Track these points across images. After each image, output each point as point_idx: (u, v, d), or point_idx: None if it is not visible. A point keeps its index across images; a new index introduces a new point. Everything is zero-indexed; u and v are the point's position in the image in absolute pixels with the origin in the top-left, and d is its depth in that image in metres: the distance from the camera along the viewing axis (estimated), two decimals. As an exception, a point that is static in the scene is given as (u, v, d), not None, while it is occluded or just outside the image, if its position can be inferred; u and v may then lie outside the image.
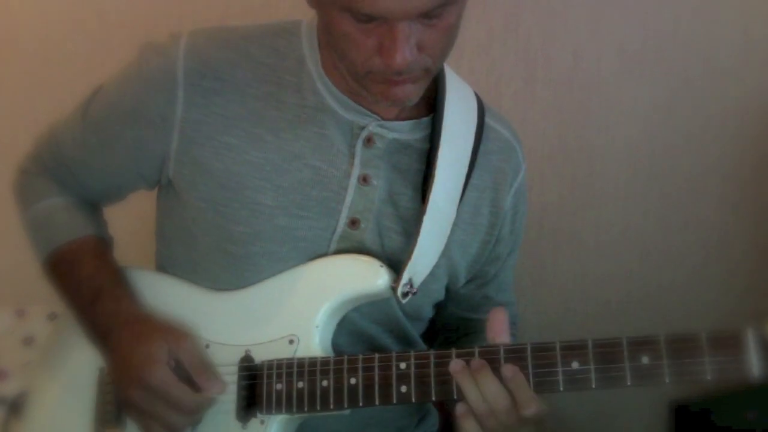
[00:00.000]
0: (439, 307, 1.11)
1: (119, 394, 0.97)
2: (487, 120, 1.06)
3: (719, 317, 1.98)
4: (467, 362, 0.85)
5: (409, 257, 0.95)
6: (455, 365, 0.85)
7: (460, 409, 0.86)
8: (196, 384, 0.92)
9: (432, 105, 1.00)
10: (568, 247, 1.87)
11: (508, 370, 0.84)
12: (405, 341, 1.06)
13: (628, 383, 0.82)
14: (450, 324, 1.15)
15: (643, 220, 1.87)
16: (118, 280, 1.03)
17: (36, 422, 1.06)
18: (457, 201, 1.00)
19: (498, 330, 0.88)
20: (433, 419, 1.21)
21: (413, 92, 0.91)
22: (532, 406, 0.85)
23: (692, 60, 1.80)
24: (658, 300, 1.93)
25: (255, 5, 1.65)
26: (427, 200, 0.96)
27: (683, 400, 1.99)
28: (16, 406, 1.07)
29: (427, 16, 0.83)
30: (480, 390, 0.84)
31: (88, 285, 1.01)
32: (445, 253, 1.01)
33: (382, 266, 0.95)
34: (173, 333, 0.95)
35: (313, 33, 0.98)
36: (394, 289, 0.95)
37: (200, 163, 0.97)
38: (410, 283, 0.96)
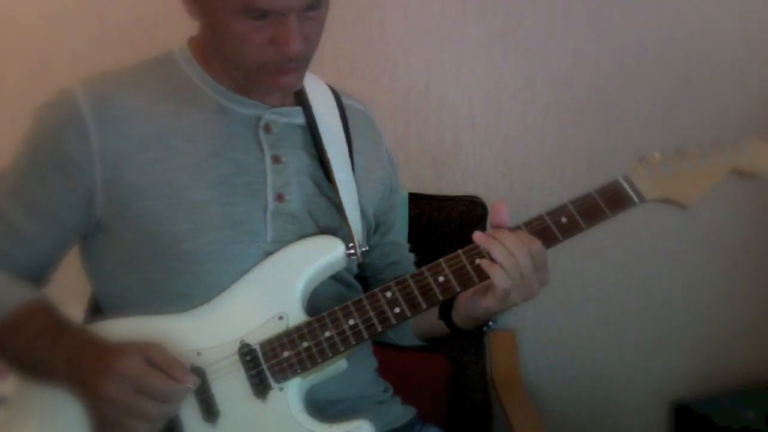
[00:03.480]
0: (360, 265, 1.23)
1: (95, 403, 0.95)
2: (344, 100, 1.23)
3: (719, 316, 1.99)
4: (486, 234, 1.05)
5: (348, 226, 1.11)
6: (478, 234, 1.04)
7: (484, 262, 1.02)
8: (171, 376, 0.95)
9: (298, 96, 1.17)
10: (568, 247, 1.87)
11: (513, 228, 1.06)
12: (352, 287, 1.20)
13: (560, 238, 1.10)
14: (373, 275, 1.28)
15: (642, 220, 1.87)
16: (73, 326, 1.04)
17: None
18: (351, 168, 1.17)
19: (501, 217, 1.06)
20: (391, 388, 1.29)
21: (299, 79, 1.06)
22: (543, 251, 1.06)
23: (692, 60, 1.80)
24: (658, 300, 1.93)
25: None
26: (332, 177, 1.12)
27: (683, 400, 1.99)
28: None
29: (311, 7, 0.97)
30: (504, 244, 1.02)
31: (45, 338, 1.01)
32: (361, 211, 1.17)
33: (336, 239, 1.09)
34: (140, 342, 0.97)
35: (187, 53, 1.11)
36: (354, 254, 1.10)
37: (129, 183, 1.03)
38: (359, 244, 1.12)
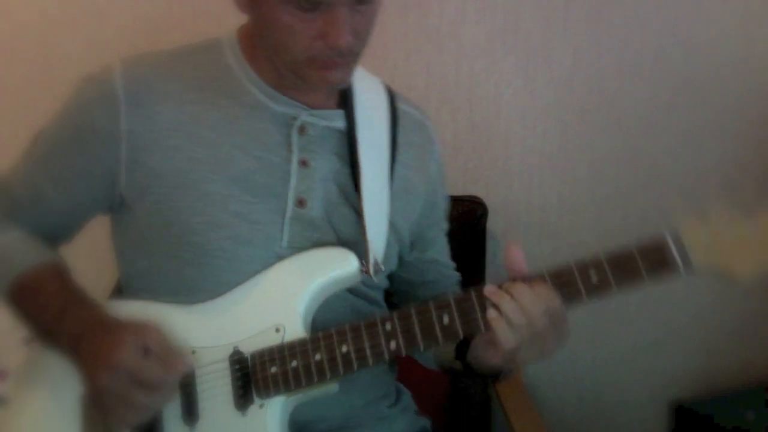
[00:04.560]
0: (391, 278, 1.19)
1: (91, 387, 0.97)
2: (398, 104, 1.17)
3: (719, 316, 1.99)
4: (498, 285, 0.96)
5: (365, 240, 1.05)
6: (489, 288, 0.95)
7: (491, 313, 0.94)
8: (163, 363, 0.95)
9: (343, 96, 1.11)
10: (568, 247, 1.87)
11: (532, 278, 0.95)
12: (370, 301, 1.14)
13: (585, 299, 0.95)
14: (406, 292, 1.23)
15: (642, 220, 1.87)
16: (83, 295, 1.05)
17: None
18: (387, 178, 1.11)
19: (517, 262, 0.96)
20: (407, 397, 1.26)
21: (347, 74, 1.03)
22: (557, 303, 0.94)
23: (692, 60, 1.80)
24: (658, 300, 1.93)
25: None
26: (359, 184, 1.07)
27: (683, 400, 1.99)
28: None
29: (361, 1, 0.95)
30: (517, 301, 0.93)
31: (56, 301, 1.03)
32: (391, 226, 1.11)
33: (351, 253, 1.04)
34: (138, 323, 0.97)
35: (234, 43, 1.08)
36: (366, 271, 1.04)
37: (150, 168, 1.03)
38: (377, 262, 1.06)
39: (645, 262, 0.95)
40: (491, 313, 0.94)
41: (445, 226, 1.27)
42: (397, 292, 1.23)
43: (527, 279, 0.95)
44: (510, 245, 0.97)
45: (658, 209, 1.86)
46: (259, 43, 1.04)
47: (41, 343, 1.06)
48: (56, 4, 1.65)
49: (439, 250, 1.25)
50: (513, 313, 0.93)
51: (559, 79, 1.78)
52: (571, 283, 0.95)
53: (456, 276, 1.25)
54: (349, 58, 0.99)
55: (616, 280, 0.95)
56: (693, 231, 0.93)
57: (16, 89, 1.67)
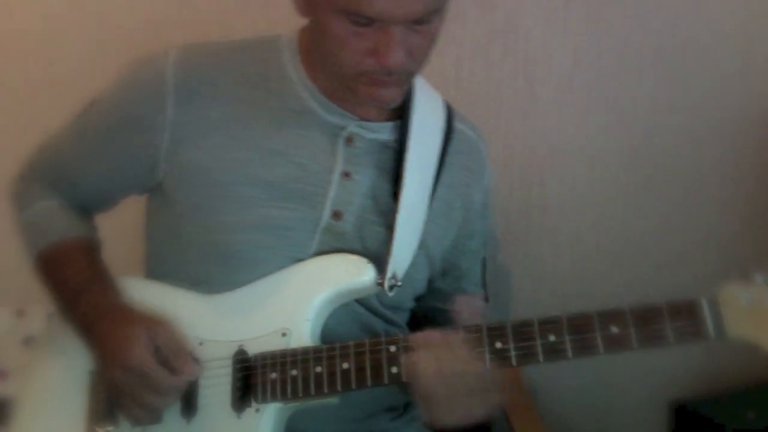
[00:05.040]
0: (419, 300, 1.16)
1: (103, 378, 1.00)
2: (455, 123, 1.14)
3: (719, 317, 1.98)
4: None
5: (389, 253, 1.02)
6: (417, 335, 0.94)
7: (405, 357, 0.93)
8: (173, 367, 0.96)
9: (399, 109, 1.07)
10: (568, 247, 1.87)
11: (454, 335, 0.93)
12: (391, 323, 1.12)
13: (601, 351, 0.89)
14: (430, 315, 1.20)
15: (642, 220, 1.87)
16: (104, 277, 1.07)
17: (25, 426, 1.06)
18: (428, 197, 1.07)
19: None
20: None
21: (398, 94, 0.99)
22: (476, 368, 0.91)
23: (692, 60, 1.80)
24: (657, 300, 1.93)
25: (254, 5, 1.65)
26: (399, 197, 1.03)
27: (683, 400, 1.99)
28: (1, 412, 1.08)
29: (418, 21, 0.90)
30: (433, 353, 0.91)
31: (75, 280, 1.05)
32: (423, 246, 1.08)
33: (368, 263, 1.02)
34: (152, 319, 0.99)
35: (293, 44, 1.06)
36: (381, 284, 1.01)
37: (190, 161, 1.03)
38: (395, 276, 1.03)
39: (673, 323, 0.89)
40: (405, 357, 0.93)
41: (482, 255, 1.21)
42: (419, 312, 1.19)
43: (488, 327, 0.92)
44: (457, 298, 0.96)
45: (658, 209, 1.86)
46: (314, 49, 1.02)
47: (59, 314, 1.07)
48: (56, 5, 1.65)
49: (471, 280, 1.20)
50: (426, 363, 0.91)
51: (559, 79, 1.78)
52: (529, 338, 0.91)
53: (483, 306, 1.21)
54: (401, 77, 0.96)
55: (637, 337, 0.89)
56: (732, 300, 0.85)
57: (17, 89, 1.67)
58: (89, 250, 1.10)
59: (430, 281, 1.15)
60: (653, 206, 1.86)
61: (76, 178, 1.12)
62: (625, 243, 1.87)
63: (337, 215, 1.03)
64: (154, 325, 0.97)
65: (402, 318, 1.15)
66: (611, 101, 1.80)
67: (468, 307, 1.18)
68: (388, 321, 1.10)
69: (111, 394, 1.00)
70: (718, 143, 1.86)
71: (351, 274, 1.02)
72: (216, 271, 1.04)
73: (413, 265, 1.07)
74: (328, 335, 1.02)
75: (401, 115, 1.07)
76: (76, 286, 1.04)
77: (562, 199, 1.84)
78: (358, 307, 1.06)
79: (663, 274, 1.92)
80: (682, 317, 0.88)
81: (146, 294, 1.06)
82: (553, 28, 1.75)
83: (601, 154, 1.83)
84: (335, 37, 0.92)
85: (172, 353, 0.96)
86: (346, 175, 1.04)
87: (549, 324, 0.91)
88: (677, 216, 1.87)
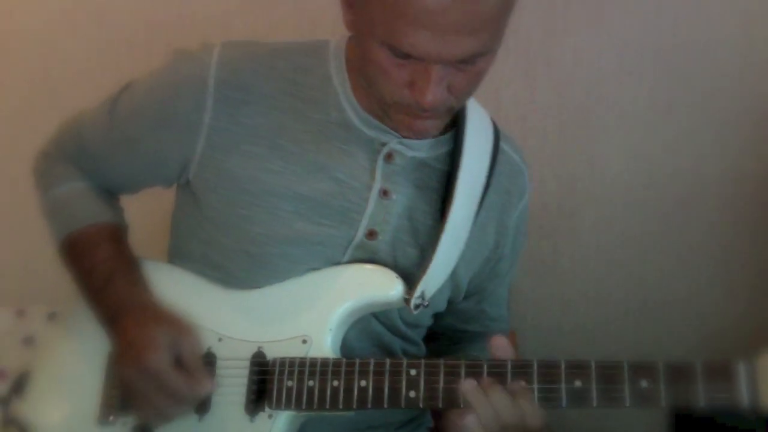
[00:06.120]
0: (436, 317, 1.14)
1: (119, 372, 0.99)
2: (502, 144, 1.10)
3: (720, 317, 1.98)
4: (477, 381, 0.90)
5: (424, 272, 0.99)
6: (467, 385, 0.89)
7: (470, 421, 0.89)
8: (191, 379, 0.95)
9: (449, 123, 1.03)
10: (568, 247, 1.87)
11: (517, 384, 0.89)
12: (408, 341, 1.10)
13: (627, 404, 0.87)
14: (444, 333, 1.19)
15: (642, 220, 1.87)
16: (132, 267, 1.05)
17: (39, 402, 1.06)
18: (472, 220, 1.04)
19: (503, 353, 0.92)
20: (424, 414, 1.23)
21: (434, 127, 0.96)
22: (537, 418, 0.90)
23: (692, 60, 1.80)
24: (658, 300, 1.93)
25: (254, 5, 1.65)
26: (446, 219, 1.00)
27: (683, 400, 1.99)
28: (18, 385, 1.07)
29: (462, 61, 0.87)
30: (492, 406, 0.88)
31: (102, 268, 1.03)
32: (453, 269, 1.05)
33: (398, 277, 0.99)
34: (178, 324, 0.97)
35: (341, 53, 1.02)
36: (407, 300, 0.98)
37: (223, 168, 1.00)
38: (422, 295, 1.00)
39: (706, 385, 0.85)
40: (469, 420, 0.89)
41: (509, 279, 1.19)
42: (440, 332, 1.18)
43: (513, 386, 0.89)
44: (495, 338, 0.92)
45: (658, 209, 1.86)
46: (358, 67, 0.98)
47: (83, 300, 1.06)
48: (57, 6, 1.65)
49: (494, 303, 1.18)
50: (487, 419, 0.88)
51: (559, 79, 1.78)
52: (554, 381, 0.89)
53: (504, 329, 1.18)
54: (439, 112, 0.93)
55: (667, 395, 0.86)
56: None
57: (17, 89, 1.67)
58: (117, 237, 1.08)
59: (451, 302, 1.12)
60: (653, 206, 1.86)
61: (103, 164, 1.09)
62: (625, 243, 1.87)
63: (371, 234, 1.01)
64: (178, 331, 0.96)
65: (419, 334, 1.13)
66: (611, 101, 1.80)
67: (486, 329, 1.16)
68: (405, 338, 1.09)
69: (124, 389, 0.99)
70: (718, 143, 1.85)
71: (379, 286, 1.00)
72: (244, 274, 1.02)
73: (440, 288, 1.04)
74: (342, 347, 1.01)
75: (447, 129, 1.04)
76: (103, 275, 1.02)
77: (562, 199, 1.84)
78: (375, 322, 1.04)
79: (663, 274, 1.92)
80: (717, 379, 0.85)
81: (171, 281, 1.05)
82: (553, 28, 1.75)
83: (601, 154, 1.83)
84: (377, 65, 0.89)
85: (192, 363, 0.95)
86: (384, 193, 1.01)
87: (576, 369, 0.89)
88: (677, 215, 1.87)
